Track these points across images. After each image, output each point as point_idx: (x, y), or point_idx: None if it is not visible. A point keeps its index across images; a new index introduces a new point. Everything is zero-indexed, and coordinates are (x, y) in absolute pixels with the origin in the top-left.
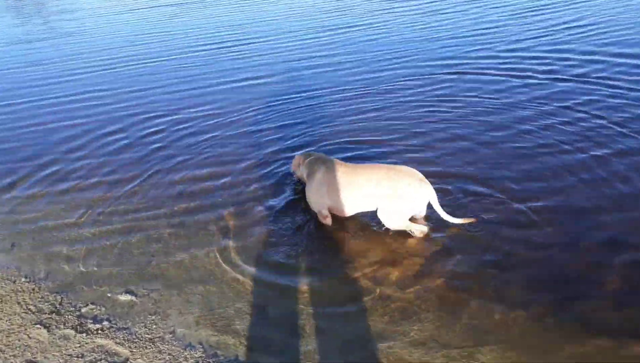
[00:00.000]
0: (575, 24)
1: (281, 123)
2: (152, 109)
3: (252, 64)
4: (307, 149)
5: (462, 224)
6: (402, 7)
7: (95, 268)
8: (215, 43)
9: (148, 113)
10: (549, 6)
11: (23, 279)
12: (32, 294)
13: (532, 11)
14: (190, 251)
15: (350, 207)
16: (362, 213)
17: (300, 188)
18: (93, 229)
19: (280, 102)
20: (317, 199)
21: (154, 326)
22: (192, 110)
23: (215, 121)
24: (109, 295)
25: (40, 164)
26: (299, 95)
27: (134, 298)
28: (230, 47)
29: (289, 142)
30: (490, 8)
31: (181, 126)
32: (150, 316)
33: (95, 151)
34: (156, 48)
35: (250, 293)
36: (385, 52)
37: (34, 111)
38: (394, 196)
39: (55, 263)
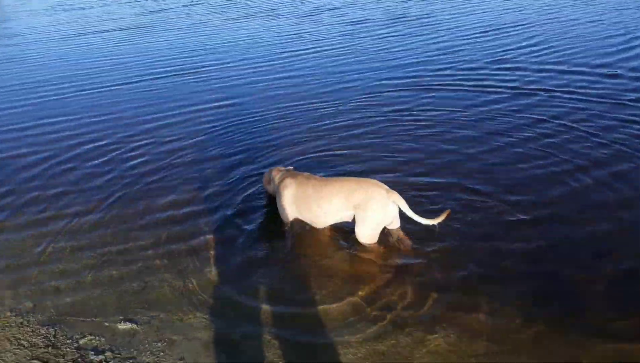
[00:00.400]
0: (526, 43)
1: (249, 142)
2: (108, 137)
3: (213, 89)
4: (276, 165)
5: (437, 226)
6: (361, 32)
7: (86, 298)
8: (170, 68)
9: (104, 141)
10: (504, 29)
11: (8, 313)
12: (20, 328)
13: (485, 33)
14: (184, 277)
15: (322, 219)
16: (335, 225)
17: (268, 203)
18: (74, 258)
19: (245, 123)
20: (288, 212)
21: (162, 354)
22: (152, 136)
23: (179, 144)
24: (106, 324)
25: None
26: (263, 116)
27: (134, 326)
28: (186, 72)
29: (258, 160)
30: (446, 31)
31: (144, 151)
32: (155, 343)
33: (55, 179)
34: (106, 75)
35: (253, 319)
36: (349, 73)
37: None
38: (364, 208)
39: (40, 294)
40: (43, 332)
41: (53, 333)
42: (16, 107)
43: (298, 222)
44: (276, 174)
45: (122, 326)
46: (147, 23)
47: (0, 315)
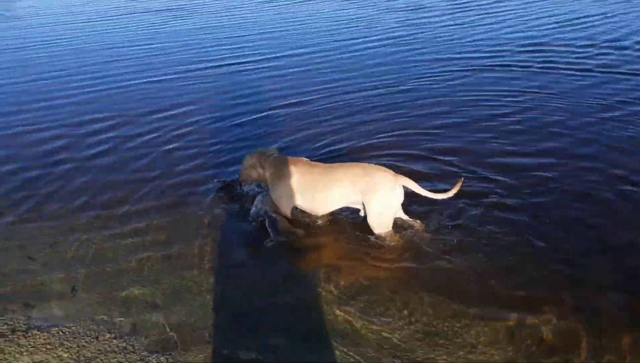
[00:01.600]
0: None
1: (318, 131)
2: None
3: (259, 78)
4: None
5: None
6: (421, 20)
7: (190, 318)
8: (210, 57)
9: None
10: (582, 19)
11: (107, 334)
12: (127, 355)
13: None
14: (296, 294)
15: (325, 207)
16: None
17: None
18: (164, 267)
19: (308, 112)
20: (287, 201)
21: None
22: (202, 130)
23: (234, 138)
24: (225, 352)
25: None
26: (329, 104)
27: (259, 356)
28: (229, 63)
29: (335, 151)
30: (517, 20)
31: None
32: None
33: (107, 186)
34: (138, 63)
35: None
36: (415, 60)
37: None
38: (372, 191)
39: (136, 310)
40: (153, 360)
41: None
42: (43, 104)
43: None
44: (265, 160)
45: (245, 356)
46: (178, 5)
47: (99, 337)
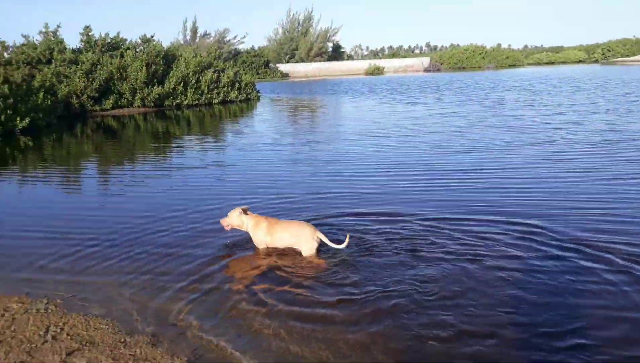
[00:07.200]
0: None
1: None
2: None
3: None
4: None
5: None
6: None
7: None
8: None
9: None
10: None
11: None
12: None
13: None
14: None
15: (279, 243)
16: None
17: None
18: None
19: None
20: (261, 239)
21: None
22: None
23: None
24: None
25: None
26: None
27: None
28: None
29: None
30: None
31: None
32: None
33: None
34: None
35: None
36: None
37: None
38: (300, 238)
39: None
40: None
41: None
42: None
43: (264, 245)
44: (248, 216)
45: None
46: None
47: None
